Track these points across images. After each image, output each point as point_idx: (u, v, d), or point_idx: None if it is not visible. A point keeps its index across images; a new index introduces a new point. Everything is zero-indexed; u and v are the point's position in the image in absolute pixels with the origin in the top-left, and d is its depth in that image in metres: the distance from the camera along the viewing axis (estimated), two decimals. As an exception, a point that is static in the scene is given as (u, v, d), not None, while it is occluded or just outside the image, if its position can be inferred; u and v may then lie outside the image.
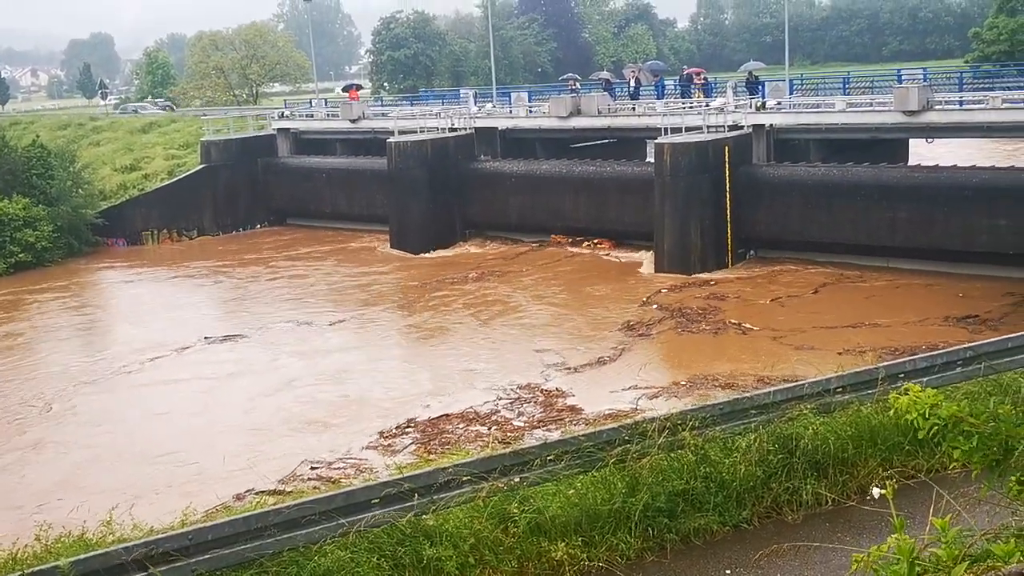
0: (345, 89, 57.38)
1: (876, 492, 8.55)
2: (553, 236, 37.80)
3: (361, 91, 52.77)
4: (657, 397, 20.34)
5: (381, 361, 25.15)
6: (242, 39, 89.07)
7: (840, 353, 22.09)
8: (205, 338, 27.66)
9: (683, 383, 21.37)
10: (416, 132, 40.46)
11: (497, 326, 27.57)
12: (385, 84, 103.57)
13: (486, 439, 18.20)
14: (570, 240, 37.32)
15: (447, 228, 39.31)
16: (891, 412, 12.48)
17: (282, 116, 49.02)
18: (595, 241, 36.84)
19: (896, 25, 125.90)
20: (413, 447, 18.48)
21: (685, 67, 49.26)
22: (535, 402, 20.74)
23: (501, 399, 21.07)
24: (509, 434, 18.47)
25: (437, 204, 38.92)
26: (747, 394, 13.45)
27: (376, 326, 28.63)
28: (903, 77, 34.74)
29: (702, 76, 41.05)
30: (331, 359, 25.41)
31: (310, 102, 53.95)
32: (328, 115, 48.69)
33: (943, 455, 12.41)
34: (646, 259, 33.94)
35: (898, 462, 12.30)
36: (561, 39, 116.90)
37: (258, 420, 21.12)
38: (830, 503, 11.86)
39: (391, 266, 36.82)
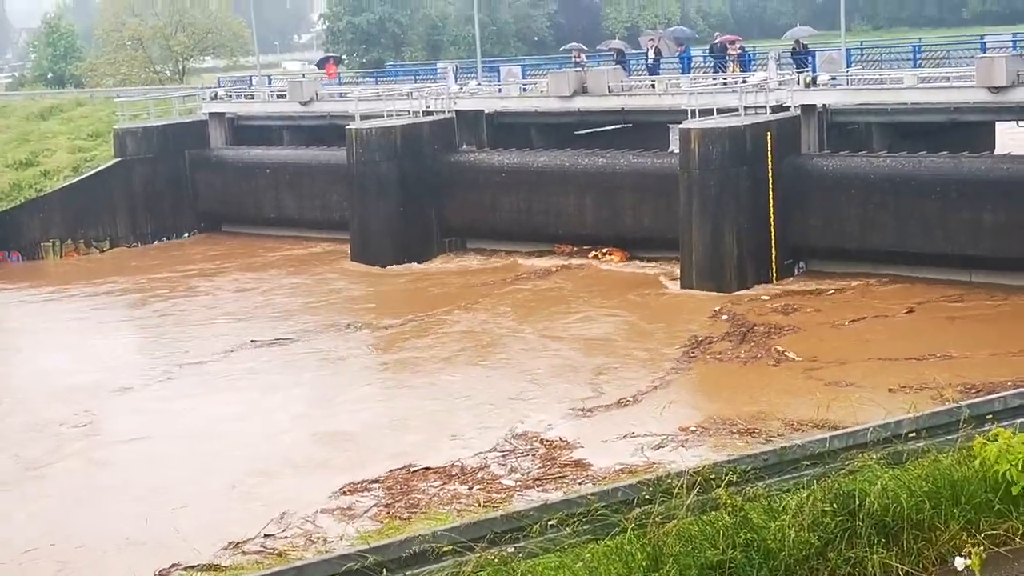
0: (320, 64, 57.44)
1: (960, 563, 8.54)
2: (556, 246, 37.88)
3: (314, 66, 52.88)
4: (685, 446, 20.37)
5: (341, 403, 25.15)
6: (165, 2, 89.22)
7: (892, 390, 22.37)
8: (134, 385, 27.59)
9: (717, 428, 21.43)
10: (382, 116, 40.54)
11: (486, 359, 27.59)
12: (344, 57, 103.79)
13: (466, 501, 18.17)
14: (575, 250, 37.38)
15: (421, 236, 39.34)
16: (977, 463, 12.61)
17: (215, 97, 49.08)
18: (605, 251, 36.90)
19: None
20: (375, 510, 18.46)
21: (717, 34, 49.29)
22: (533, 455, 20.74)
23: (490, 451, 21.05)
24: (495, 495, 18.45)
25: (409, 206, 38.97)
26: (797, 441, 13.43)
27: (335, 359, 28.62)
28: (988, 45, 34.88)
29: (737, 45, 41.12)
30: (277, 398, 25.47)
31: (250, 80, 53.95)
32: (273, 96, 48.74)
33: (1043, 516, 12.48)
34: (669, 273, 33.98)
35: (986, 525, 12.27)
36: (563, 0, 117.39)
37: (187, 475, 21.10)
38: (902, 576, 11.83)
39: (352, 284, 36.85)
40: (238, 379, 27.29)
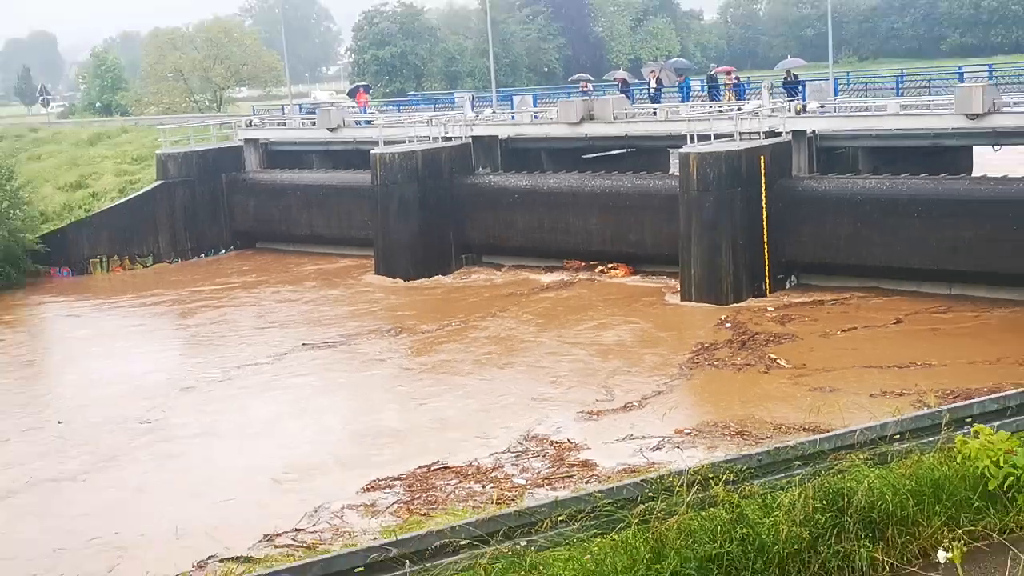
0: (351, 93, 57.60)
1: (942, 556, 8.47)
2: (565, 261, 37.89)
3: (341, 95, 53.07)
4: (681, 447, 20.39)
5: (366, 406, 25.22)
6: (204, 37, 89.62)
7: (873, 395, 22.49)
8: (181, 389, 27.72)
9: (710, 430, 21.47)
10: (404, 142, 40.60)
11: (501, 366, 27.62)
12: (371, 86, 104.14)
13: (480, 498, 18.14)
14: (583, 265, 37.38)
15: (440, 252, 39.39)
16: (958, 460, 12.58)
17: (250, 125, 49.26)
18: (611, 266, 36.91)
19: (956, 16, 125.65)
20: (395, 506, 18.45)
21: (713, 65, 49.41)
22: (543, 456, 20.74)
23: (504, 452, 21.05)
24: (507, 493, 18.42)
25: (429, 225, 39.03)
26: (789, 442, 13.40)
27: (363, 366, 28.67)
28: (965, 75, 34.90)
29: (732, 76, 41.22)
30: (307, 403, 25.53)
31: (282, 108, 54.18)
32: (303, 123, 48.89)
33: (1020, 511, 12.43)
34: (671, 287, 33.96)
35: (966, 520, 12.22)
36: (571, 34, 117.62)
37: (237, 470, 21.33)
38: (887, 569, 11.78)
39: (376, 296, 36.86)
40: (290, 379, 27.55)
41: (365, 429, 23.40)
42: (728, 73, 42.04)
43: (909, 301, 30.86)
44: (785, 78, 38.76)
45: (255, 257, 46.00)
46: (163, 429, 24.32)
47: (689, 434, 21.32)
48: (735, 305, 31.65)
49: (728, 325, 29.76)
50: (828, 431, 14.39)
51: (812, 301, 31.74)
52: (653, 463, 19.32)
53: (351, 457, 21.66)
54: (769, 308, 31.22)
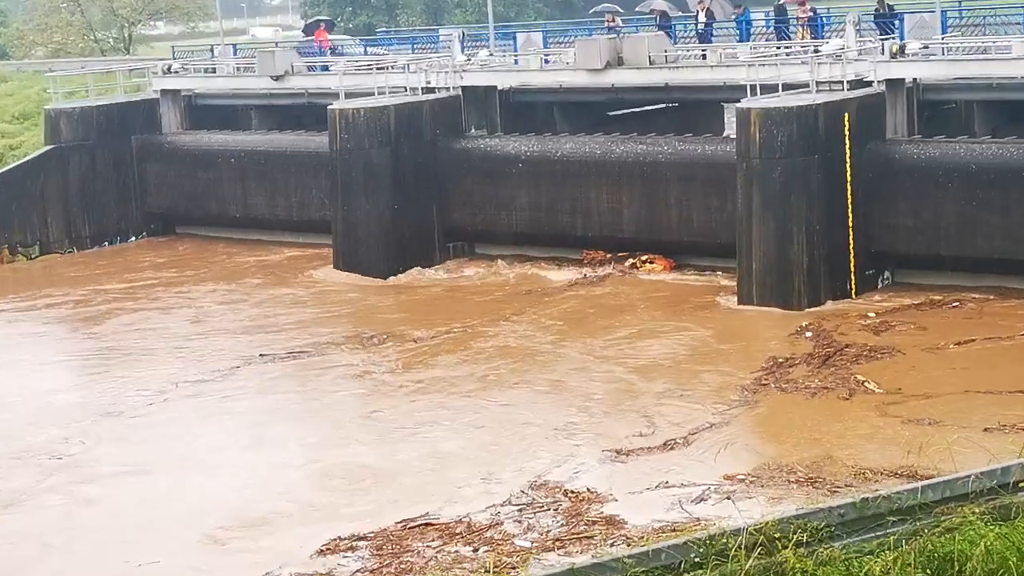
0: (308, 30, 57.59)
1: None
2: (586, 252, 37.90)
3: (288, 33, 53.19)
4: (732, 498, 20.31)
5: (332, 438, 25.37)
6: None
7: (988, 430, 22.46)
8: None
9: (771, 476, 21.48)
10: (373, 94, 40.65)
11: (504, 390, 27.67)
12: (307, 23, 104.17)
13: (471, 566, 18.14)
14: (608, 257, 37.40)
15: (421, 240, 39.44)
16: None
17: (169, 71, 49.17)
18: (645, 259, 36.95)
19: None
20: (359, 576, 18.53)
21: (782, -4, 49.38)
22: (555, 509, 20.69)
23: (503, 504, 21.04)
24: (506, 558, 18.42)
25: (406, 204, 39.06)
26: (881, 492, 13.39)
27: (320, 390, 28.76)
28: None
29: (807, 6, 41.16)
30: (250, 435, 25.70)
31: (211, 50, 54.07)
32: (238, 69, 48.90)
33: None
34: (726, 287, 33.98)
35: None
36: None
37: (168, 520, 21.52)
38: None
39: (336, 299, 36.84)
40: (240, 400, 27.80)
41: (330, 468, 23.49)
42: (802, 3, 41.97)
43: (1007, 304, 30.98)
44: (876, 10, 38.64)
45: (175, 245, 46.08)
46: (79, 466, 24.41)
47: (743, 481, 21.29)
48: (813, 310, 31.63)
49: (809, 334, 29.84)
50: (930, 477, 14.36)
51: (917, 304, 31.71)
52: (698, 519, 19.29)
53: (311, 505, 21.71)
54: (870, 313, 31.24)
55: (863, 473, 20.90)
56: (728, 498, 20.27)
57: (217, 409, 27.75)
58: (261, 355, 31.04)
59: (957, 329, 29.68)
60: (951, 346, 28.54)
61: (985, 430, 22.52)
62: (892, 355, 28.07)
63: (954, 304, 31.59)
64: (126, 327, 35.20)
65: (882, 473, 20.66)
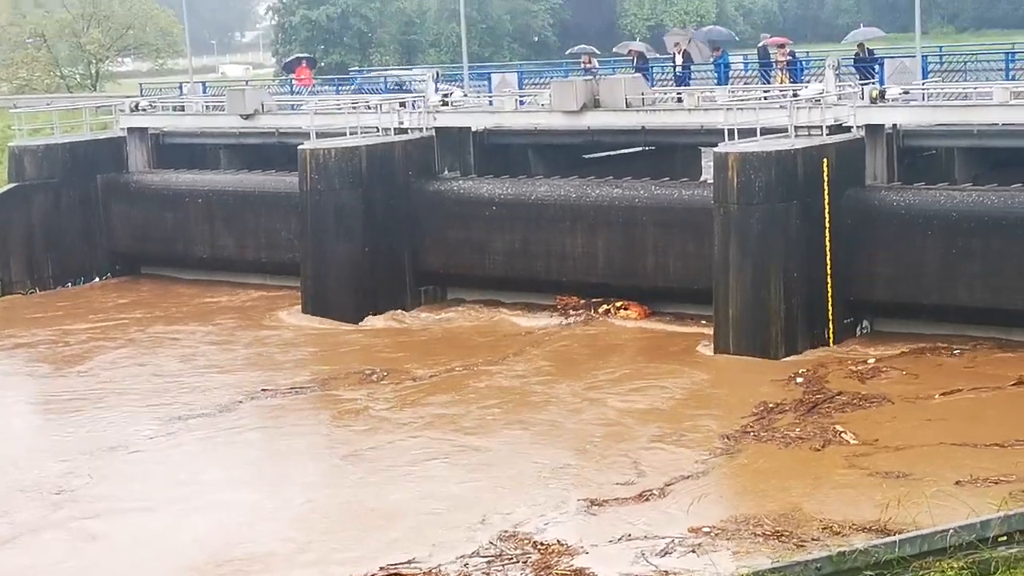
0: (289, 67, 57.63)
1: None
2: (559, 298, 37.87)
3: (259, 71, 53.26)
4: (704, 551, 20.43)
5: (282, 498, 25.22)
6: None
7: (960, 483, 22.57)
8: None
9: (738, 529, 21.49)
10: (344, 134, 40.65)
11: (479, 439, 27.63)
12: (287, 60, 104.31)
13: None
14: (582, 302, 37.38)
15: (391, 284, 39.40)
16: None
17: (136, 109, 49.17)
18: (620, 305, 36.94)
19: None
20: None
21: (765, 36, 49.57)
22: (524, 561, 20.66)
23: (470, 556, 20.99)
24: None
25: (377, 246, 39.04)
26: (858, 546, 13.36)
27: (284, 444, 28.77)
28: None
29: (786, 48, 41.39)
30: (201, 494, 25.62)
31: (180, 88, 54.11)
32: (207, 108, 48.88)
33: None
34: (706, 334, 33.97)
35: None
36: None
37: (148, 569, 21.69)
38: None
39: (304, 345, 36.75)
40: (156, 473, 27.38)
41: (285, 515, 23.64)
42: (781, 47, 42.19)
43: (1016, 357, 30.96)
44: (857, 54, 38.90)
45: (140, 287, 45.98)
46: (70, 504, 24.88)
47: (709, 534, 21.28)
48: (790, 359, 31.71)
49: (797, 381, 29.99)
50: (899, 532, 14.36)
51: (901, 353, 31.87)
52: (666, 573, 19.28)
53: (275, 550, 21.99)
54: (869, 359, 31.43)
55: (831, 527, 20.92)
56: (693, 551, 20.35)
57: (163, 460, 27.74)
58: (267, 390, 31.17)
59: (945, 378, 29.73)
60: (937, 396, 28.61)
61: (957, 483, 22.60)
62: (876, 405, 28.17)
63: (946, 353, 31.72)
64: (96, 369, 35.20)
65: (850, 527, 20.70)
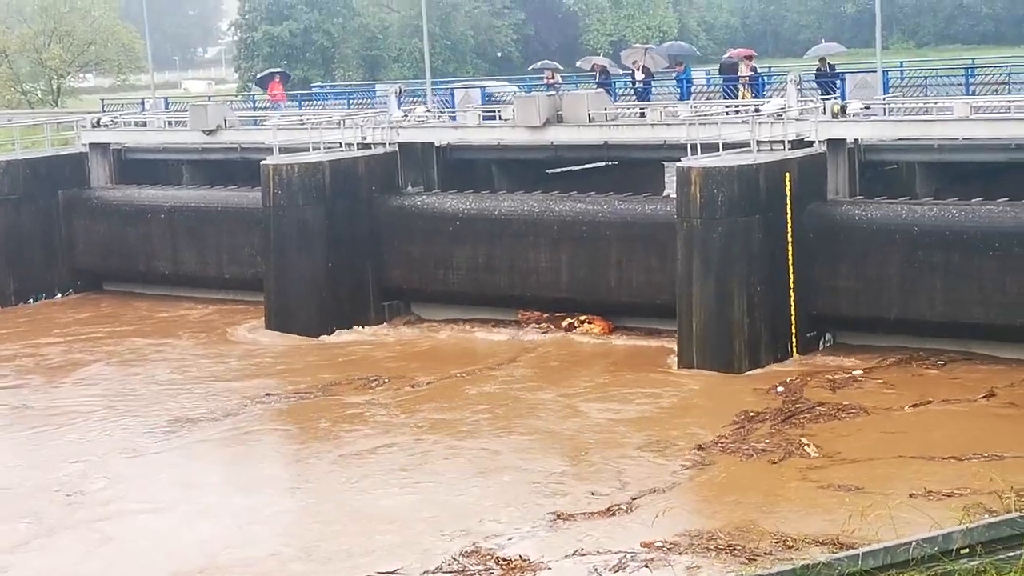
0: (262, 82, 57.53)
1: None
2: (521, 313, 37.92)
3: (222, 86, 53.17)
4: (657, 566, 20.55)
5: (240, 507, 25.29)
6: (37, 4, 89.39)
7: (914, 495, 22.76)
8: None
9: (692, 543, 21.58)
10: (307, 150, 40.60)
11: (440, 455, 27.59)
12: (259, 75, 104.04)
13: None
14: (546, 316, 37.45)
15: (355, 299, 39.35)
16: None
17: (98, 124, 48.94)
18: (583, 319, 36.99)
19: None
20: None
21: (731, 50, 49.62)
22: (486, 577, 20.70)
23: (433, 572, 21.00)
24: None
25: (339, 262, 38.99)
26: (820, 558, 13.42)
27: (245, 454, 28.78)
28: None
29: (752, 63, 41.47)
30: (155, 504, 25.65)
31: (142, 103, 53.96)
32: (170, 123, 48.74)
33: None
34: (668, 348, 34.07)
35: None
36: (533, 8, 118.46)
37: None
38: None
39: (267, 360, 36.65)
40: (111, 491, 27.18)
41: (238, 534, 23.60)
42: (748, 58, 42.22)
43: (984, 368, 31.18)
44: (818, 69, 39.05)
45: (101, 302, 45.80)
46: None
47: (661, 548, 21.31)
48: (754, 373, 31.86)
49: (767, 393, 30.13)
50: (852, 546, 14.44)
51: (856, 366, 32.03)
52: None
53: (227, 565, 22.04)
54: (857, 372, 31.57)
55: (784, 540, 20.99)
56: (646, 566, 20.45)
57: (128, 478, 27.59)
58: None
59: (915, 391, 29.87)
60: (906, 408, 28.76)
61: (911, 495, 22.74)
62: (845, 417, 28.32)
63: (914, 365, 31.95)
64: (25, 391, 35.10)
65: (803, 541, 20.79)
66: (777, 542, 20.94)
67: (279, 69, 66.89)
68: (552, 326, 37.22)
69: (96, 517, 25.00)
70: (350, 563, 21.72)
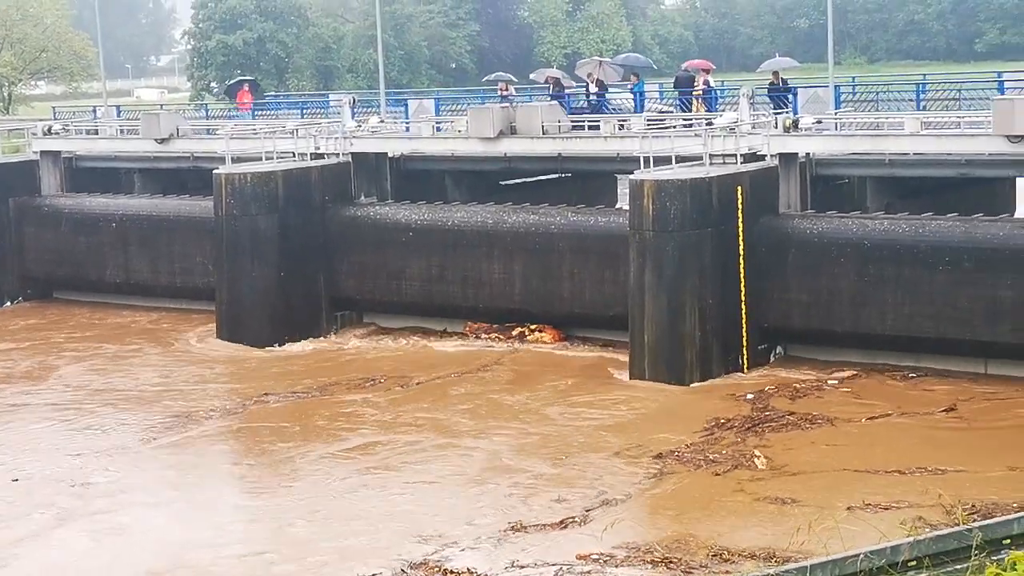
0: (231, 91, 57.46)
1: None
2: (468, 324, 37.93)
3: (174, 95, 53.10)
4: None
5: (187, 519, 25.22)
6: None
7: (851, 508, 22.86)
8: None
9: (628, 555, 21.58)
10: (260, 159, 40.49)
11: (389, 468, 27.53)
12: (213, 84, 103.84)
13: None
14: (495, 327, 37.45)
15: (307, 309, 39.27)
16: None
17: (49, 132, 48.78)
18: (534, 328, 37.02)
19: (996, 6, 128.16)
20: None
21: (687, 64, 49.66)
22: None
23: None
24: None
25: (292, 271, 38.89)
26: (769, 571, 13.46)
27: (191, 469, 28.53)
28: (1007, 85, 35.51)
29: (708, 76, 41.59)
30: (103, 515, 25.44)
31: (94, 111, 53.69)
32: (122, 131, 48.54)
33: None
34: (618, 360, 34.13)
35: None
36: (487, 20, 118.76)
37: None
38: None
39: (217, 371, 36.51)
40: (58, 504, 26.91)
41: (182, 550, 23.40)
42: (707, 71, 42.33)
43: (932, 382, 31.42)
44: (771, 83, 39.20)
45: (50, 311, 45.51)
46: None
47: (597, 561, 21.34)
48: (704, 384, 31.93)
49: (719, 404, 30.32)
50: (789, 560, 14.48)
51: (806, 379, 32.14)
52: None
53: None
54: (832, 381, 31.78)
55: (720, 553, 21.10)
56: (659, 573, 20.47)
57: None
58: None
59: (865, 405, 29.99)
60: (863, 420, 28.88)
61: (848, 509, 22.80)
62: (795, 428, 28.41)
63: (867, 378, 32.05)
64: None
65: (738, 554, 20.92)
66: (713, 555, 21.05)
67: (249, 77, 66.71)
68: (501, 336, 37.24)
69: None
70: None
